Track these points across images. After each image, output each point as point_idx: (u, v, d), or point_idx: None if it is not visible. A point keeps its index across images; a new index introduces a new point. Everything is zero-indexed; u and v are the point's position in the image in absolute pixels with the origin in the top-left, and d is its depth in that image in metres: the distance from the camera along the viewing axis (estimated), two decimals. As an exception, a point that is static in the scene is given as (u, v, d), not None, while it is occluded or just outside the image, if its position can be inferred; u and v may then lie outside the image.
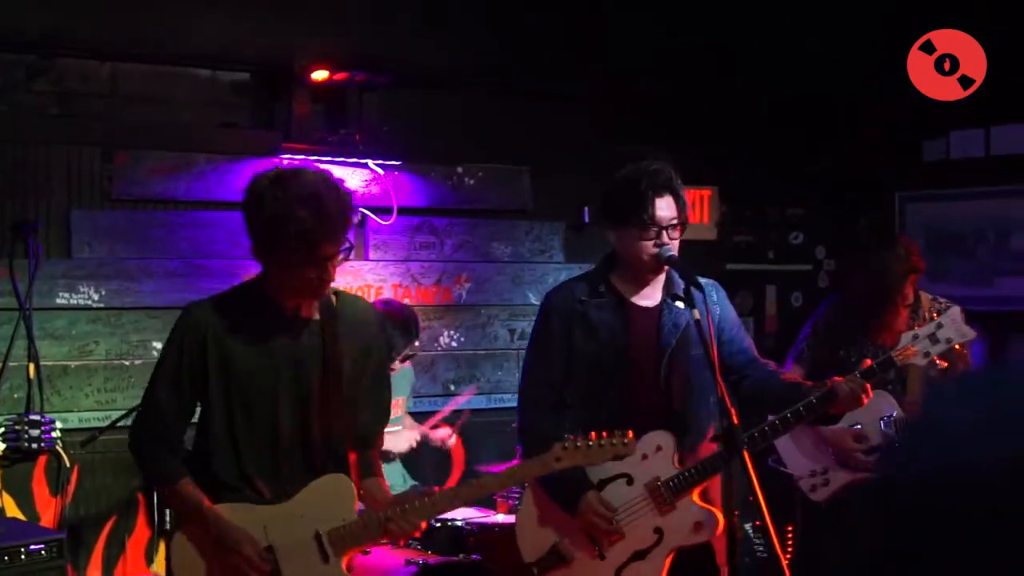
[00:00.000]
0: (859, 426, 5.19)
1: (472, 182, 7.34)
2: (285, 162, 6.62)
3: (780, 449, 5.36)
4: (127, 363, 6.48)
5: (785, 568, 3.93)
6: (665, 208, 4.39)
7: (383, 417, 4.11)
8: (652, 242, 4.39)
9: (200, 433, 3.92)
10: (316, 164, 6.29)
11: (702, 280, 4.57)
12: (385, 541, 4.14)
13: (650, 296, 4.54)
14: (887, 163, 8.26)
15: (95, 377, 6.41)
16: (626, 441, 3.86)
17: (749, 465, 3.91)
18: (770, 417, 4.42)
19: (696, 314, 4.19)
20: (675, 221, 4.42)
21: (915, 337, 4.56)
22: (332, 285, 3.91)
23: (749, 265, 8.42)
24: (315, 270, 3.71)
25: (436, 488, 3.94)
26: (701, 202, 8.07)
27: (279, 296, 3.84)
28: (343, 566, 3.77)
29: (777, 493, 5.27)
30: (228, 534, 3.72)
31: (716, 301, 4.60)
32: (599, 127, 7.48)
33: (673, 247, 4.42)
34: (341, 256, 3.77)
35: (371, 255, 7.01)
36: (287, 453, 3.83)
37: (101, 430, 5.99)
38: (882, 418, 5.17)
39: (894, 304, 5.26)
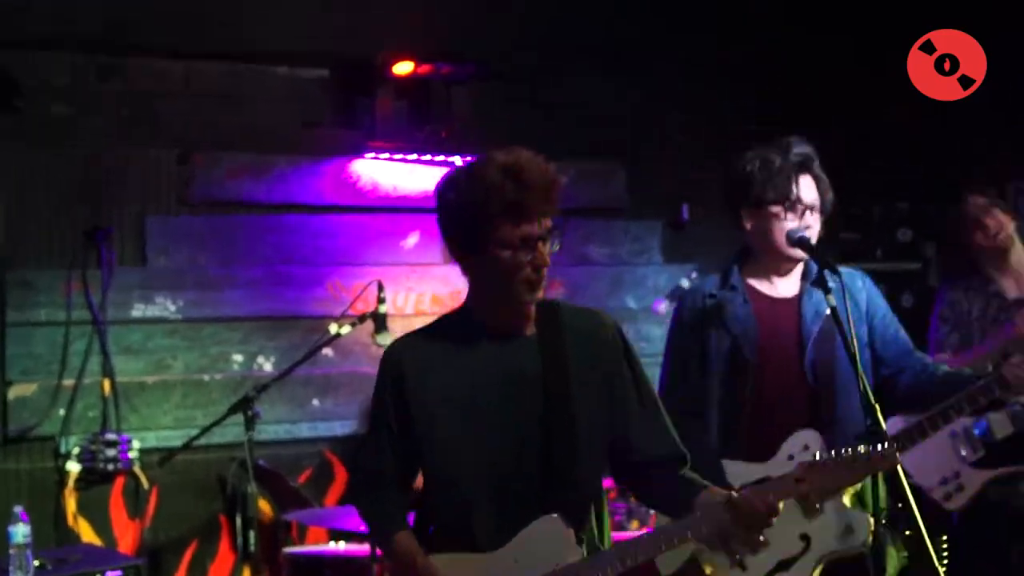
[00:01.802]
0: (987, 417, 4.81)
1: (565, 179, 6.90)
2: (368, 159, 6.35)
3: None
4: (206, 378, 6.19)
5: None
6: (806, 188, 4.20)
7: (658, 431, 3.51)
8: (794, 223, 4.16)
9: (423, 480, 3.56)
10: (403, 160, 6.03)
11: (845, 269, 4.27)
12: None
13: (788, 286, 4.32)
14: (998, 149, 7.81)
15: (173, 393, 6.14)
16: (884, 453, 3.29)
17: (900, 468, 3.51)
18: (927, 413, 4.16)
19: (832, 299, 3.87)
20: (816, 203, 4.22)
21: None
22: (552, 297, 3.50)
23: (857, 264, 7.93)
24: (526, 252, 3.29)
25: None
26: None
27: (488, 312, 3.43)
28: None
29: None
30: None
31: (862, 288, 4.39)
32: (696, 119, 7.08)
33: (812, 233, 4.18)
34: (553, 239, 3.34)
35: (460, 260, 6.64)
36: (502, 493, 3.38)
37: (179, 450, 5.65)
38: (1009, 405, 4.78)
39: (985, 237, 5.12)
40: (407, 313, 6.53)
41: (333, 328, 5.43)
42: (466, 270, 3.44)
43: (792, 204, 4.13)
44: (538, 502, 3.36)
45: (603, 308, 6.52)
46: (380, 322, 5.39)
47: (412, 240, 6.59)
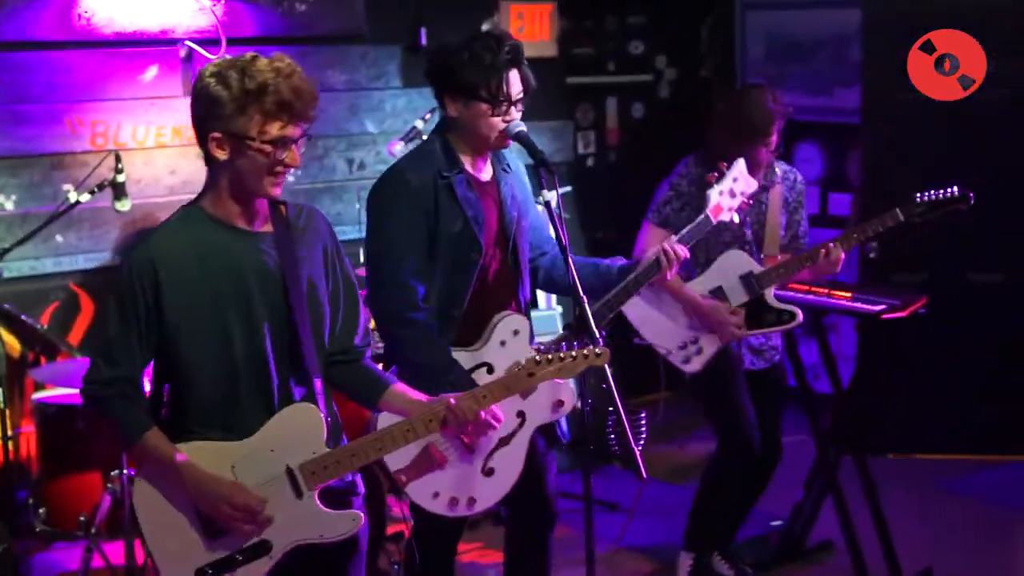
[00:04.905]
0: (720, 286, 5.18)
1: (303, 8, 7.00)
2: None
3: (642, 328, 5.33)
4: (-53, 219, 6.19)
5: (639, 460, 3.93)
6: (513, 84, 4.24)
7: (357, 324, 3.81)
8: (501, 119, 4.25)
9: (160, 374, 3.68)
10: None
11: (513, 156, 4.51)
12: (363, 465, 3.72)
13: (485, 169, 4.42)
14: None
15: (-89, 235, 6.11)
16: (599, 352, 3.72)
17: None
18: (606, 296, 4.45)
19: (547, 194, 4.04)
20: (522, 95, 4.29)
21: (720, 193, 4.63)
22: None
23: (589, 78, 8.27)
24: (283, 151, 3.46)
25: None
26: (540, 18, 7.85)
27: (229, 207, 3.57)
28: (317, 499, 3.59)
29: (641, 372, 5.26)
30: (203, 481, 3.53)
31: (525, 172, 4.53)
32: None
33: (517, 116, 4.29)
34: (304, 140, 3.53)
35: (200, 90, 6.68)
36: (246, 384, 3.58)
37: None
38: (742, 276, 5.15)
39: (764, 142, 5.23)
40: (148, 146, 6.59)
41: (72, 196, 5.49)
42: (214, 161, 3.52)
43: (500, 103, 4.20)
44: (285, 391, 3.60)
45: (344, 132, 6.86)
46: (119, 190, 5.49)
47: (151, 74, 6.59)
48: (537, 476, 4.54)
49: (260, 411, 3.59)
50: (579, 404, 4.23)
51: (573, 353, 3.72)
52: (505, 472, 4.35)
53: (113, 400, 3.59)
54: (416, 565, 4.57)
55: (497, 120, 4.24)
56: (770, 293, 5.22)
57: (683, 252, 4.46)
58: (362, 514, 3.66)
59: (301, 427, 3.58)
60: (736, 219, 4.77)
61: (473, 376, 4.25)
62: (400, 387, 3.80)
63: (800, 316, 5.21)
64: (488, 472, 4.32)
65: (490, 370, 4.30)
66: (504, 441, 4.32)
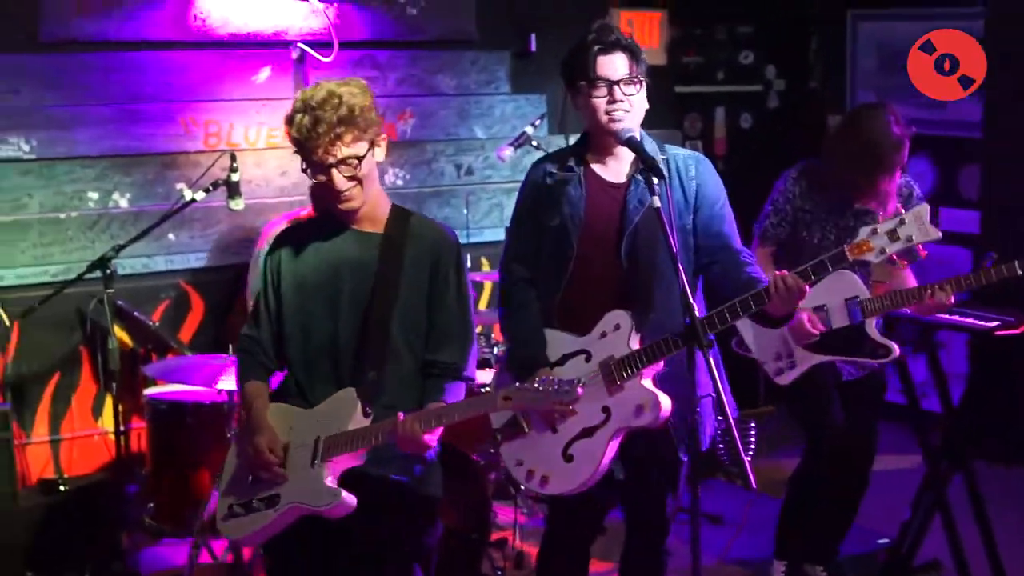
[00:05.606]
0: (825, 307, 5.10)
1: (414, 12, 7.04)
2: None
3: (743, 332, 5.30)
4: (63, 216, 6.30)
5: (749, 470, 3.88)
6: (614, 64, 4.27)
7: (462, 351, 4.11)
8: (604, 99, 4.27)
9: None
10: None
11: (684, 153, 4.46)
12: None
13: (618, 170, 4.42)
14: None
15: (29, 232, 6.23)
16: (567, 390, 3.83)
17: (711, 363, 3.84)
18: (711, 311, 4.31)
19: (656, 201, 4.03)
20: (628, 76, 4.27)
21: (873, 232, 4.07)
22: (411, 209, 4.12)
23: (698, 87, 8.24)
24: (323, 175, 3.85)
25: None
26: (650, 26, 7.83)
27: (343, 213, 3.98)
28: (328, 470, 3.92)
29: (740, 378, 5.22)
30: (255, 427, 3.99)
31: (694, 176, 4.40)
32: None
33: (631, 105, 4.27)
34: (351, 165, 3.84)
35: (312, 93, 6.74)
36: (324, 363, 4.03)
37: (40, 302, 5.77)
38: (847, 300, 5.06)
39: (885, 173, 5.09)
40: (259, 147, 6.68)
41: (188, 194, 5.56)
42: None
43: (593, 81, 4.24)
44: (351, 373, 3.99)
45: (453, 136, 6.90)
46: (233, 189, 5.56)
47: (264, 75, 6.66)
48: (658, 484, 4.51)
49: (332, 389, 4.00)
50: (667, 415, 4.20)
51: (548, 388, 3.82)
52: (581, 463, 4.32)
53: (241, 352, 4.20)
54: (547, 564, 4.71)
55: (599, 103, 4.26)
56: (871, 323, 5.08)
57: (796, 283, 4.06)
58: (352, 498, 3.86)
59: (340, 407, 3.96)
60: (899, 263, 4.69)
61: (571, 361, 4.35)
62: (433, 405, 3.95)
63: (896, 352, 5.09)
64: (568, 458, 4.33)
65: (588, 358, 4.34)
66: (587, 432, 4.30)
